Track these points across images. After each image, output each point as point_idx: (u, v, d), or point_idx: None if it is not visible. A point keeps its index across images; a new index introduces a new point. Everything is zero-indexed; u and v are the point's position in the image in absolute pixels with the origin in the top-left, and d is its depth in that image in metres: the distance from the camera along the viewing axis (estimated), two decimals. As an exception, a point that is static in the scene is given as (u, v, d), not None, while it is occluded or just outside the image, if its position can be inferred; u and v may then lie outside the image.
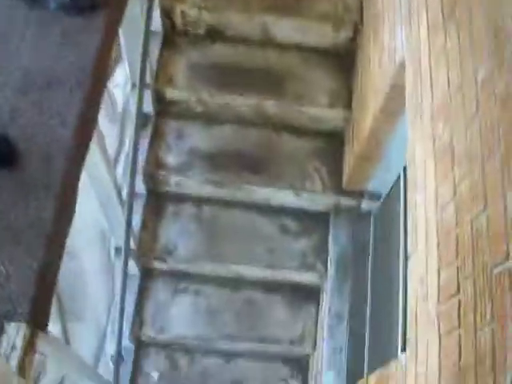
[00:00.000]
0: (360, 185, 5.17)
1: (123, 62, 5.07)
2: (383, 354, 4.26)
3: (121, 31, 4.23)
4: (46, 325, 2.68)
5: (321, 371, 4.99)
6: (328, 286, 5.18)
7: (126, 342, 5.16)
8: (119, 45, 4.79)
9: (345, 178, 5.27)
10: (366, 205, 5.29)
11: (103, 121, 4.75)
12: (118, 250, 4.99)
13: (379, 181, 5.00)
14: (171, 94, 5.42)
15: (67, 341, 4.68)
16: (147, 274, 5.45)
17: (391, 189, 4.86)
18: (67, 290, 4.65)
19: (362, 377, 4.28)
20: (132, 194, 4.59)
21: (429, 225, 2.74)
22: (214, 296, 5.43)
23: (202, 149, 5.40)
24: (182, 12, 5.38)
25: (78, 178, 2.93)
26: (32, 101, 2.85)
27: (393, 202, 4.71)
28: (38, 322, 2.55)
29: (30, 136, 2.77)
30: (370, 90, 4.64)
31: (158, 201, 5.46)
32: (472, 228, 2.25)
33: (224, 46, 5.55)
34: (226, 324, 5.35)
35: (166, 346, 5.46)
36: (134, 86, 5.02)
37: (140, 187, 5.23)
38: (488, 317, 2.03)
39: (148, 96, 5.18)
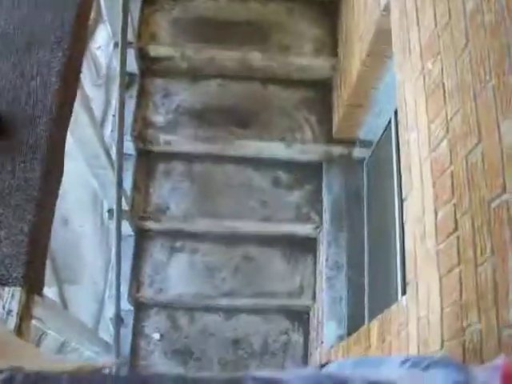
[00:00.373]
0: (351, 133, 5.12)
1: (104, 22, 4.98)
2: (383, 301, 4.27)
3: (99, -11, 4.15)
4: (41, 288, 2.65)
5: (322, 322, 5.00)
6: (324, 237, 5.16)
7: (125, 304, 5.15)
8: (99, 5, 4.71)
9: (335, 126, 5.22)
10: (357, 152, 5.25)
11: (88, 83, 4.69)
12: (110, 212, 4.96)
13: (370, 128, 4.95)
14: (155, 50, 5.34)
15: (65, 305, 4.68)
16: (142, 235, 5.42)
17: (382, 134, 4.82)
18: (62, 254, 4.64)
19: (363, 325, 4.28)
20: (121, 154, 4.53)
21: (423, 164, 2.71)
22: (211, 253, 5.41)
23: (190, 106, 5.35)
24: (160, -33, 5.29)
25: (63, 139, 2.89)
26: (12, 63, 2.80)
27: (385, 147, 4.68)
28: (33, 286, 2.53)
29: (13, 99, 2.73)
30: (355, 36, 4.58)
31: (148, 161, 5.42)
32: (467, 163, 2.22)
33: (205, -1, 5.47)
34: (224, 280, 5.34)
35: (165, 307, 5.45)
36: (116, 45, 4.93)
37: (129, 148, 5.17)
38: (488, 251, 2.00)
39: (131, 55, 5.10)
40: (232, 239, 5.46)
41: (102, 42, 5.30)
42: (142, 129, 5.26)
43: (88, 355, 4.28)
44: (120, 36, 4.52)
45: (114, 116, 4.96)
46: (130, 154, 5.25)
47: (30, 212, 2.50)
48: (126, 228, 5.10)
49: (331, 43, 5.38)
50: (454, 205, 2.31)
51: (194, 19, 5.39)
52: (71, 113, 2.99)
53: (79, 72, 3.16)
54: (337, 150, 5.29)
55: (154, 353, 5.32)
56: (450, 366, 1.17)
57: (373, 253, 4.87)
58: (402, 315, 2.95)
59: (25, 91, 2.75)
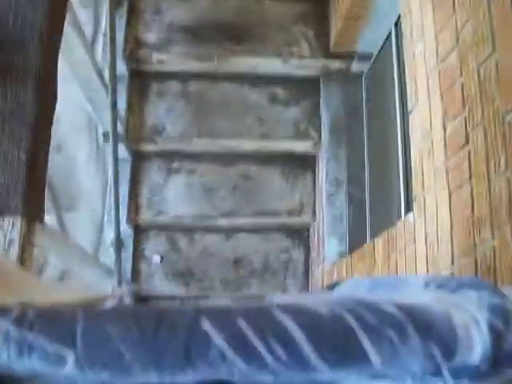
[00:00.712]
0: (349, 46, 4.98)
1: None
2: (386, 217, 4.24)
3: None
4: (43, 216, 2.61)
5: (322, 239, 4.98)
6: (323, 153, 5.08)
7: (125, 228, 5.11)
8: None
9: (332, 40, 5.07)
10: (356, 66, 5.12)
11: (76, 4, 4.53)
12: (105, 135, 4.87)
13: (368, 40, 4.81)
14: (143, -34, 5.15)
15: (64, 231, 4.65)
16: (138, 158, 5.34)
17: (382, 47, 4.70)
18: (59, 180, 4.58)
19: (364, 242, 4.25)
20: (114, 74, 4.41)
21: (430, 77, 2.61)
22: (209, 173, 5.34)
23: (182, 22, 5.18)
24: None
25: (55, 62, 2.82)
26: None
27: (385, 60, 4.57)
28: (33, 215, 2.48)
29: (2, 23, 2.63)
30: None
31: (141, 81, 5.28)
32: (479, 75, 2.13)
33: None
34: (223, 200, 5.30)
35: (164, 228, 5.42)
36: (103, -39, 4.75)
37: (122, 68, 5.02)
38: (502, 166, 1.94)
39: (119, -29, 4.92)
40: (230, 158, 5.38)
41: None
42: (134, 48, 5.12)
43: (90, 281, 4.27)
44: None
45: (104, 36, 4.82)
46: (122, 75, 5.11)
47: (25, 138, 2.43)
48: (122, 151, 5.01)
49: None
50: (465, 118, 2.24)
51: None
52: (61, 35, 2.89)
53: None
54: (335, 64, 5.16)
55: (155, 275, 5.32)
56: (482, 288, 1.12)
57: (374, 169, 4.81)
58: (409, 232, 2.91)
59: (14, 15, 2.65)
